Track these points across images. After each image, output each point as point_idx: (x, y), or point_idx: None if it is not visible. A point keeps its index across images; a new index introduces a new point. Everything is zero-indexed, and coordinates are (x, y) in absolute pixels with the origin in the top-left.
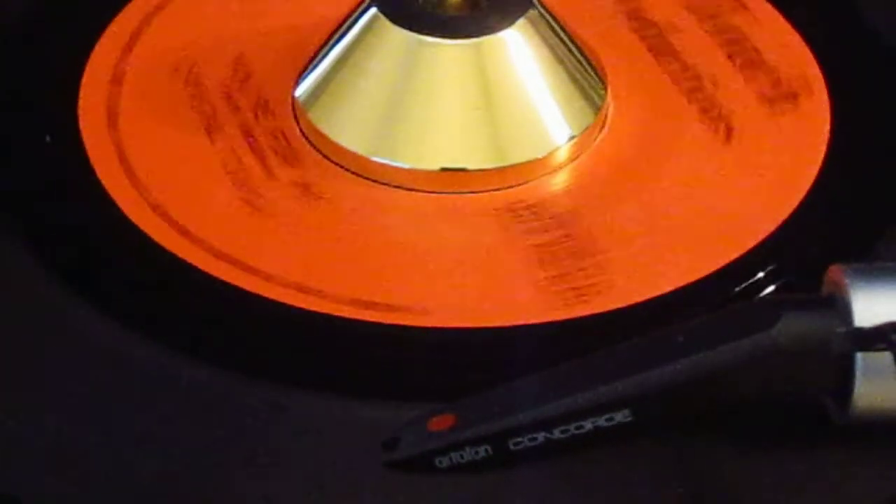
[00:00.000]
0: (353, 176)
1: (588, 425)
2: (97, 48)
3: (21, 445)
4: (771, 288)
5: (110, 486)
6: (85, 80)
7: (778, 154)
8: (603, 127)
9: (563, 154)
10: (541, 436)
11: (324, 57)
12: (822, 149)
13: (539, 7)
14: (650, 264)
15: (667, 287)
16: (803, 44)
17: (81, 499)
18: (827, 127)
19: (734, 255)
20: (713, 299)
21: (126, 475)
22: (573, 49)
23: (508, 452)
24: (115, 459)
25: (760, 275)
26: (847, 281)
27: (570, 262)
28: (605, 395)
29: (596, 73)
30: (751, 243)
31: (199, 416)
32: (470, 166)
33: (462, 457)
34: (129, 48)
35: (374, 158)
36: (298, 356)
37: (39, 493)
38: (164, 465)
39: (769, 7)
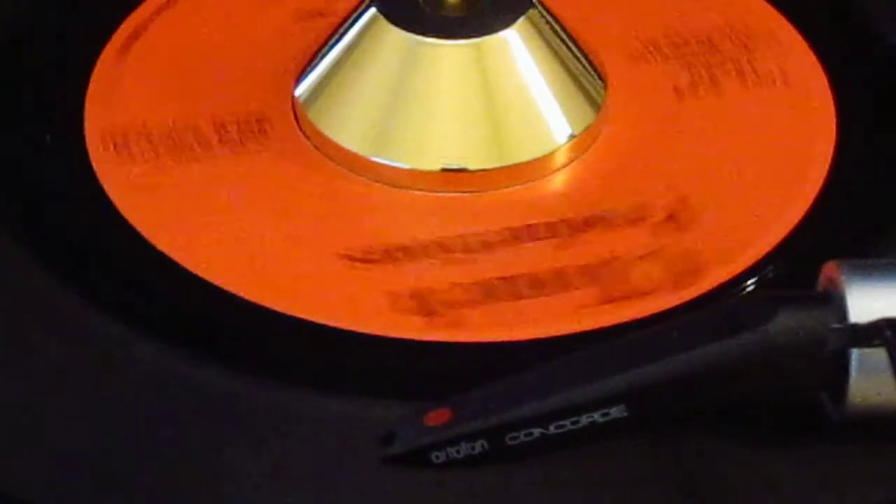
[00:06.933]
0: (354, 176)
1: (584, 420)
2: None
3: (20, 445)
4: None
5: (110, 485)
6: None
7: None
8: (603, 126)
9: (563, 153)
10: (536, 431)
11: (324, 57)
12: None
13: (539, 7)
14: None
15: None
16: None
17: (81, 498)
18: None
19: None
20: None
21: (126, 475)
22: (573, 49)
23: (504, 447)
24: (115, 459)
25: (754, 279)
26: (842, 277)
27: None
28: (601, 391)
29: (596, 73)
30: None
31: (198, 415)
32: (470, 166)
33: (458, 452)
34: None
35: (374, 158)
36: (298, 356)
37: (39, 492)
38: (163, 465)
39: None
